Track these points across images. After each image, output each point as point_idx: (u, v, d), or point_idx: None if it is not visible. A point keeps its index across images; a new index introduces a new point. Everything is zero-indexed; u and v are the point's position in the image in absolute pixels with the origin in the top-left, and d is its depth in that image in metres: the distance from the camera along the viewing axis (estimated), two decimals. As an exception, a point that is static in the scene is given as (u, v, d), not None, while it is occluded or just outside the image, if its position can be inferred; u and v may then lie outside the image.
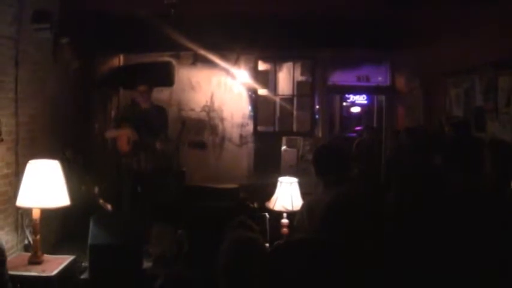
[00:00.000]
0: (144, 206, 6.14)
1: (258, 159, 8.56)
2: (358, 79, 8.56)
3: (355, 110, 16.93)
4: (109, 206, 6.51)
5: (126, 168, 6.46)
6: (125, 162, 6.49)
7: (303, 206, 3.77)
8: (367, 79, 8.54)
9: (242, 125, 8.58)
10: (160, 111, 6.76)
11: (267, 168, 8.30)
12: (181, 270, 4.28)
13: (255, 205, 7.29)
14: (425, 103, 7.47)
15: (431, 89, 7.23)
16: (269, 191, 6.44)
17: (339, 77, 8.57)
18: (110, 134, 6.91)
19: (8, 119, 5.08)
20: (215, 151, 8.48)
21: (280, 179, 5.30)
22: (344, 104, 16.48)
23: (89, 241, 5.08)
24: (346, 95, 15.09)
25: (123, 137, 6.52)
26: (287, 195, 5.14)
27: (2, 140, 4.19)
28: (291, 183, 5.20)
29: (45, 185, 4.63)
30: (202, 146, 7.91)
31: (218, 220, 5.59)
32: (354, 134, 12.79)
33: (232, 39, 7.49)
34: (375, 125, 12.29)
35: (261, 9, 6.99)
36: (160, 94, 8.28)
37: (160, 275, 2.77)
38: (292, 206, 5.10)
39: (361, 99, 16.08)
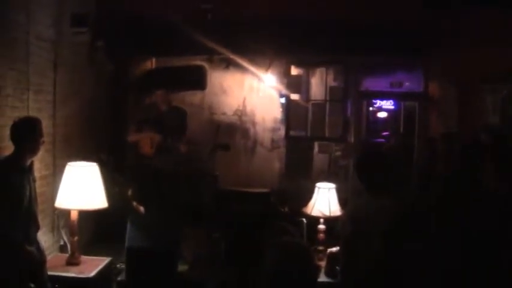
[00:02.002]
0: (179, 209, 6.14)
1: (290, 163, 8.48)
2: (391, 85, 8.47)
3: (382, 115, 16.78)
4: (142, 209, 6.52)
5: (156, 170, 6.46)
6: (153, 164, 6.49)
7: (347, 212, 3.73)
8: (400, 85, 8.44)
9: (274, 130, 8.51)
10: (177, 112, 6.74)
11: (299, 173, 8.25)
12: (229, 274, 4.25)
13: (286, 209, 7.26)
14: (460, 110, 7.36)
15: (467, 96, 7.13)
16: (300, 195, 6.41)
17: (371, 83, 8.47)
18: (132, 137, 6.91)
19: (46, 121, 5.13)
20: (246, 155, 8.44)
21: (318, 184, 5.27)
22: (371, 108, 16.34)
23: (126, 243, 5.11)
24: (373, 100, 14.94)
25: (145, 140, 6.53)
26: (325, 200, 5.12)
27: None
28: (329, 188, 5.17)
29: (83, 187, 4.67)
30: (225, 147, 7.87)
31: (252, 224, 5.62)
32: (381, 140, 12.64)
33: (265, 44, 7.46)
34: (401, 130, 12.13)
35: (294, 15, 6.98)
36: (193, 98, 8.29)
37: (208, 280, 2.75)
38: (330, 212, 5.08)
39: (388, 104, 15.91)
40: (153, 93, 8.25)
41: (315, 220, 5.24)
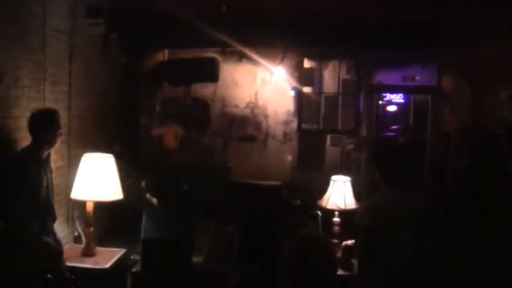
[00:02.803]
0: (192, 202, 6.15)
1: (302, 156, 8.48)
2: (404, 79, 8.44)
3: (391, 108, 16.69)
4: (155, 201, 6.53)
5: (174, 163, 6.47)
6: (172, 158, 6.50)
7: (365, 205, 3.73)
8: (413, 79, 8.40)
9: (286, 122, 8.50)
10: (201, 104, 6.74)
11: (311, 166, 8.26)
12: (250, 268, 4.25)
13: (298, 202, 7.26)
14: (473, 104, 7.31)
15: (481, 90, 7.08)
16: (312, 189, 6.40)
17: (384, 76, 8.44)
18: (156, 131, 6.92)
19: (62, 113, 5.10)
20: (259, 148, 8.44)
21: (333, 177, 5.25)
22: (380, 102, 16.26)
23: (142, 235, 5.11)
24: (383, 94, 14.86)
25: (169, 133, 6.54)
26: (340, 193, 5.10)
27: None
28: (344, 182, 5.15)
29: (99, 178, 4.68)
30: (251, 139, 7.87)
31: (265, 217, 5.62)
32: (392, 134, 12.59)
33: (277, 37, 7.44)
34: (411, 124, 12.08)
35: (307, 9, 6.93)
36: (205, 90, 8.28)
37: (230, 273, 2.74)
38: (345, 205, 5.06)
39: (398, 98, 15.82)
40: (163, 86, 8.27)
41: (329, 213, 5.22)
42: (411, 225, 3.43)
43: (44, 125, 4.08)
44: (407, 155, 3.77)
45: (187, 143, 6.43)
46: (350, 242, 4.89)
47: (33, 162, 4.00)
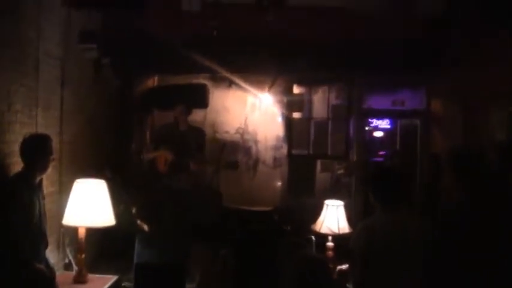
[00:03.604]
0: (184, 227, 6.12)
1: (292, 182, 8.52)
2: (393, 103, 8.53)
3: (378, 134, 16.81)
4: (146, 227, 6.49)
5: (166, 188, 6.46)
6: (164, 182, 6.49)
7: (359, 228, 3.72)
8: (402, 103, 8.50)
9: (276, 148, 8.55)
10: (198, 132, 6.76)
11: (301, 191, 8.27)
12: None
13: (288, 228, 7.22)
14: (465, 126, 7.37)
15: (472, 112, 7.14)
16: (303, 214, 6.38)
17: (373, 101, 8.54)
18: (148, 155, 6.89)
19: (54, 138, 5.06)
20: (249, 173, 8.45)
21: (327, 201, 5.24)
22: (366, 128, 16.36)
23: (135, 260, 5.05)
24: (370, 119, 14.96)
25: (160, 158, 6.54)
26: (333, 218, 5.08)
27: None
28: (337, 206, 5.14)
29: (91, 203, 4.61)
30: (234, 166, 7.86)
31: (258, 242, 5.59)
32: (379, 159, 12.63)
33: (267, 63, 7.49)
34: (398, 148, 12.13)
35: (297, 33, 7.00)
36: (195, 116, 8.23)
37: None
38: (339, 229, 5.04)
39: (384, 123, 15.95)
40: (153, 112, 8.25)
41: (323, 238, 5.20)
42: (407, 246, 3.44)
43: (36, 150, 4.04)
44: (398, 177, 3.78)
45: (177, 168, 6.41)
46: (344, 266, 4.86)
47: (25, 188, 3.95)
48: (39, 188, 4.19)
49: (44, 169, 4.13)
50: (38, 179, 4.12)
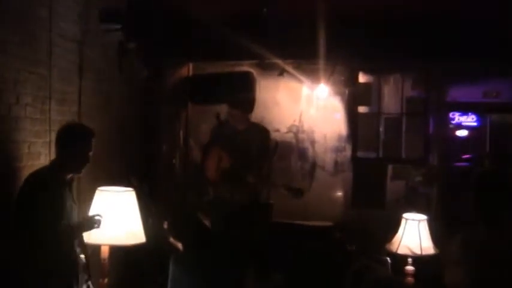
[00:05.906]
0: (234, 247, 5.99)
1: (357, 191, 8.44)
2: (484, 95, 8.29)
3: (462, 133, 16.50)
4: (180, 245, 6.38)
5: (215, 201, 6.36)
6: (213, 193, 6.40)
7: (456, 242, 3.59)
8: (496, 95, 8.25)
9: (338, 150, 8.48)
10: (262, 133, 6.61)
11: (368, 203, 8.19)
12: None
13: (353, 247, 7.08)
14: None
15: None
16: (371, 230, 6.22)
17: (459, 92, 8.34)
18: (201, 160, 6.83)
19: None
20: (304, 181, 8.35)
21: (405, 215, 5.07)
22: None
23: (169, 286, 4.94)
24: (451, 116, 14.73)
25: (211, 161, 6.45)
26: (414, 235, 4.90)
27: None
28: (419, 221, 4.95)
29: (117, 217, 4.53)
30: (298, 194, 7.46)
31: (316, 264, 5.45)
32: (463, 164, 12.37)
33: (327, 46, 7.33)
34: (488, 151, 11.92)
35: (362, 11, 6.82)
36: (238, 111, 8.24)
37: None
38: (421, 249, 4.85)
39: (470, 120, 15.66)
40: (186, 107, 8.19)
41: (400, 260, 5.03)
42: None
43: (77, 140, 4.06)
44: (507, 185, 3.62)
45: (231, 178, 6.30)
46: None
47: (57, 184, 3.94)
48: (70, 187, 4.16)
49: (78, 167, 4.11)
50: (68, 176, 4.09)
